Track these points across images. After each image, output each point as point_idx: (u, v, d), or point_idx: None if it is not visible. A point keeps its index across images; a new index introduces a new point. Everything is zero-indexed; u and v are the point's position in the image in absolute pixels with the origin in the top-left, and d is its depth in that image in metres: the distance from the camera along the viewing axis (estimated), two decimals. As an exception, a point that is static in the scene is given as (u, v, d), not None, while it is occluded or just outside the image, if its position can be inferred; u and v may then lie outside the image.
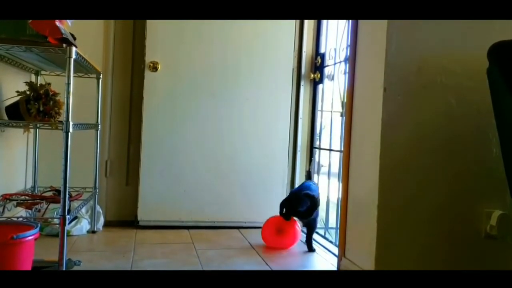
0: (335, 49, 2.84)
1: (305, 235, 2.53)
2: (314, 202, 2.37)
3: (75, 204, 2.28)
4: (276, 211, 2.49)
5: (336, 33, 2.84)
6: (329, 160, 2.88)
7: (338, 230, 2.20)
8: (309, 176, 2.86)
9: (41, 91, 2.08)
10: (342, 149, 2.17)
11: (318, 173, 3.04)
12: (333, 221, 2.81)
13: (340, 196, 2.27)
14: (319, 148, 3.06)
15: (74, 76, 1.82)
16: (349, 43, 2.13)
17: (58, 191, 2.17)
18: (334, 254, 2.31)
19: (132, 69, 2.90)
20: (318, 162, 3.06)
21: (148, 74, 2.76)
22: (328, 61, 2.94)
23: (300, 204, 2.37)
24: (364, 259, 1.89)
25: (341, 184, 2.21)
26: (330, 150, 2.88)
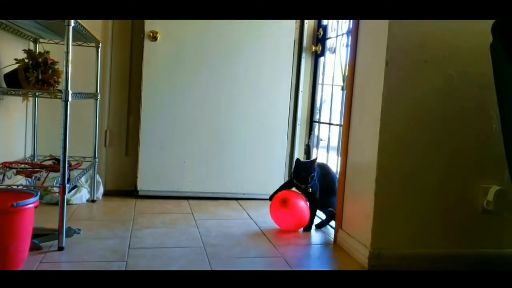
0: (337, 21, 2.80)
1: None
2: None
3: (75, 173, 2.29)
4: (274, 185, 2.49)
5: (339, 5, 2.79)
6: (329, 134, 2.89)
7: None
8: (308, 149, 2.86)
9: (40, 59, 2.06)
10: (342, 123, 2.17)
11: (317, 147, 3.05)
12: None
13: (338, 169, 2.28)
14: (319, 122, 3.06)
15: (73, 45, 1.80)
16: (352, 15, 2.10)
17: (58, 160, 2.17)
18: (332, 227, 2.33)
19: (132, 38, 2.86)
20: (318, 136, 3.06)
21: (147, 43, 2.73)
22: (330, 33, 2.90)
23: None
24: (361, 232, 1.91)
25: (340, 158, 2.22)
26: (329, 124, 2.88)
